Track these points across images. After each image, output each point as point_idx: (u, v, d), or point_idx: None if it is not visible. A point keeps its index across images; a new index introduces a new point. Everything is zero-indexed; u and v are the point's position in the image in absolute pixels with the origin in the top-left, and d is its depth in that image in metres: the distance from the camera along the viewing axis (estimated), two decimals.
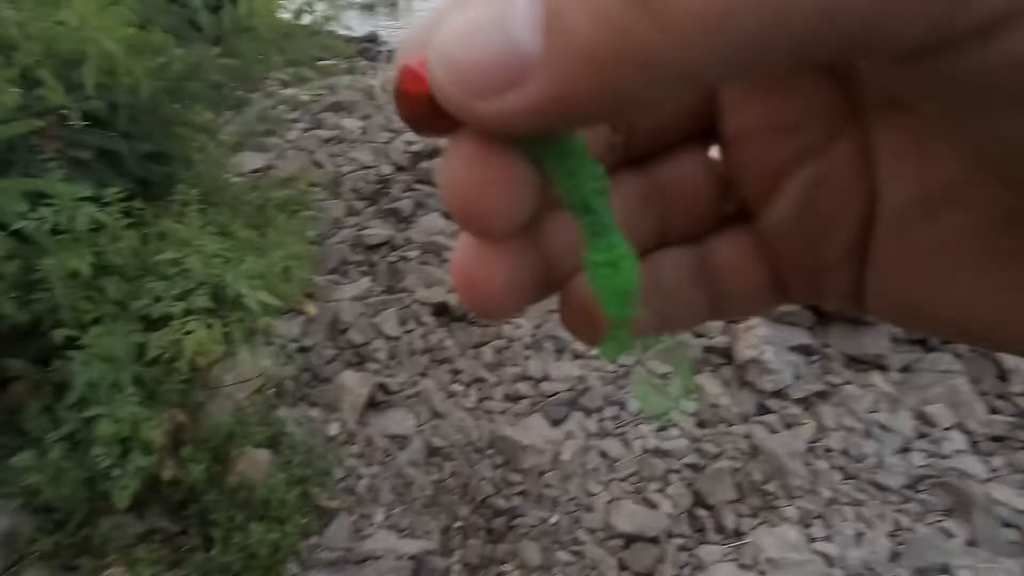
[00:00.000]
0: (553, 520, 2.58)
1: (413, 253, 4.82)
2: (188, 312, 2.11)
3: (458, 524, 2.55)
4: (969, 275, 0.17)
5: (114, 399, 1.83)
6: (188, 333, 2.03)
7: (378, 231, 5.17)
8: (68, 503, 2.02)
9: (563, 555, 2.43)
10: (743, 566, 2.34)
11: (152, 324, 2.20)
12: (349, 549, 2.33)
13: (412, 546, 2.36)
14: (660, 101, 0.14)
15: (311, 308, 3.81)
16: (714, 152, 0.22)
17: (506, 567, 2.39)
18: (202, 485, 2.16)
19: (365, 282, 4.34)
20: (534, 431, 2.96)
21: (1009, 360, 2.73)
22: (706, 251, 0.22)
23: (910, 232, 0.18)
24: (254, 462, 2.38)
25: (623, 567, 2.40)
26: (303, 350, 3.49)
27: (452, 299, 4.07)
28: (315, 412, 2.96)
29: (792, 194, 0.20)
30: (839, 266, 0.20)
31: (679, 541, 2.44)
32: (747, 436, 2.75)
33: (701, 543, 2.44)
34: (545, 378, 3.42)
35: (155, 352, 1.95)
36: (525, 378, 3.44)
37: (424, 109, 0.15)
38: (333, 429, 2.90)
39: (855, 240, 0.20)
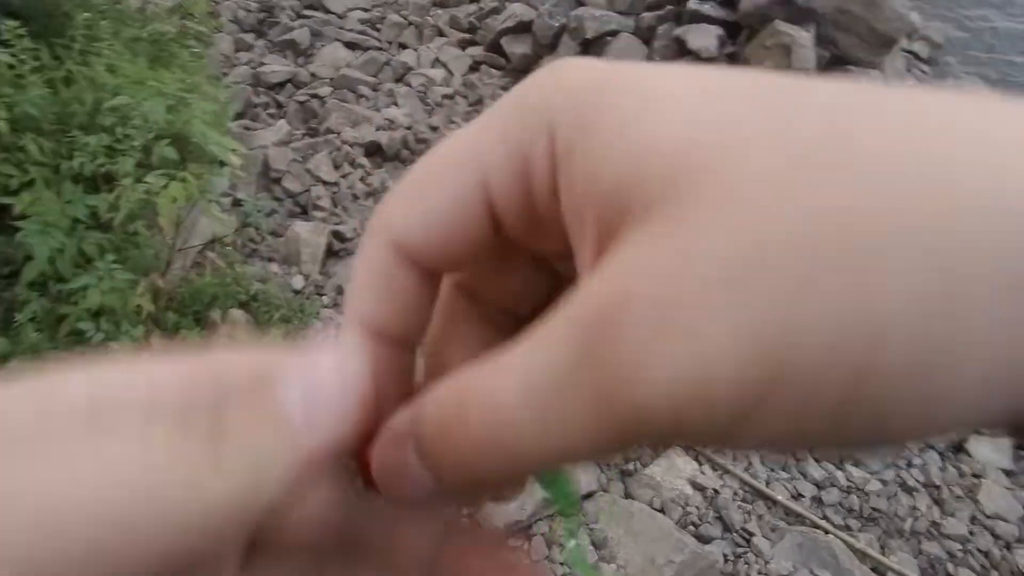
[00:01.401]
0: None
1: (324, 90, 4.42)
2: (141, 166, 1.86)
3: None
4: None
5: (95, 268, 1.63)
6: (149, 192, 1.81)
7: (277, 67, 4.65)
8: None
9: None
10: None
11: (87, 184, 1.93)
12: None
13: None
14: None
15: (234, 157, 3.46)
16: None
17: None
18: None
19: (282, 125, 3.97)
20: None
21: None
22: None
23: None
24: (234, 323, 2.27)
25: None
26: (236, 204, 3.22)
27: (382, 138, 3.84)
28: (275, 267, 2.82)
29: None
30: None
31: None
32: None
33: None
34: None
35: (120, 214, 1.73)
36: None
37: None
38: (298, 283, 2.79)
39: None
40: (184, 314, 2.05)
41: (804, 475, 2.28)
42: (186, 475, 0.15)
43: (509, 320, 0.24)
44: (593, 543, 2.03)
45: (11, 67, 1.99)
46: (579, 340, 0.16)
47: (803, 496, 2.22)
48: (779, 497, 2.19)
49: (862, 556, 2.06)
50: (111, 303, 1.67)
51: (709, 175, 0.15)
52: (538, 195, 0.19)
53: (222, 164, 3.45)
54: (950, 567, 2.09)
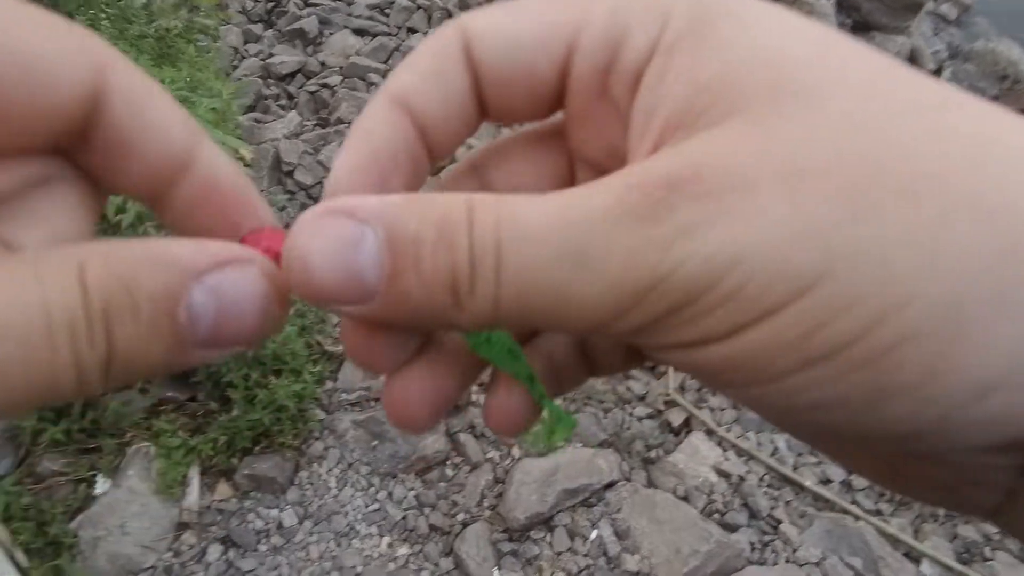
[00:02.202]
0: None
1: (334, 79, 4.38)
2: None
3: None
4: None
5: None
6: None
7: (286, 57, 4.63)
8: None
9: None
10: None
11: None
12: (367, 388, 2.33)
13: None
14: (451, 330, 0.22)
15: (245, 152, 3.45)
16: None
17: None
18: None
19: (292, 116, 3.95)
20: None
21: None
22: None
23: None
24: None
25: None
26: None
27: None
28: None
29: None
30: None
31: None
32: None
33: None
34: None
35: (128, 216, 1.72)
36: None
37: None
38: None
39: None
40: None
41: None
42: (77, 378, 0.16)
43: None
44: (616, 533, 2.00)
45: None
46: (636, 197, 0.16)
47: (832, 481, 2.17)
48: (807, 483, 2.14)
49: (894, 542, 2.01)
50: None
51: (809, 95, 0.16)
52: (618, 73, 0.19)
53: (233, 158, 3.45)
54: (987, 551, 2.02)
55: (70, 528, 1.83)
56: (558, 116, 0.23)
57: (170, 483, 1.95)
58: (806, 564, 1.94)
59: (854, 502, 2.12)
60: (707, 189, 0.15)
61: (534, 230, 0.16)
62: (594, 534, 1.99)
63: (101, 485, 1.93)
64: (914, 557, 2.00)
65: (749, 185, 0.15)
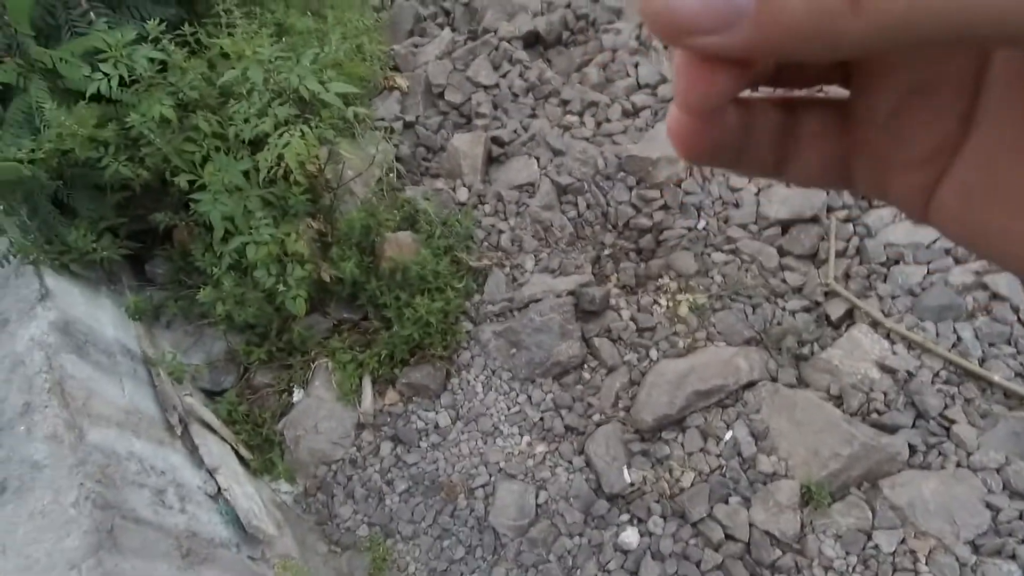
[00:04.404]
0: (701, 225, 2.50)
1: None
2: (279, 124, 2.07)
3: (607, 252, 2.57)
4: None
5: (258, 225, 1.91)
6: (286, 145, 2.01)
7: None
8: (260, 318, 2.27)
9: (718, 256, 2.39)
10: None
11: (256, 146, 2.21)
12: (510, 299, 2.46)
13: (567, 283, 2.43)
14: (828, 60, 0.20)
15: (402, 81, 3.64)
16: None
17: (663, 280, 2.42)
18: (361, 277, 2.31)
19: (447, 35, 4.02)
20: (661, 141, 2.78)
21: None
22: (797, 117, 0.24)
23: (996, 165, 0.19)
24: (399, 245, 2.48)
25: (784, 253, 2.32)
26: (408, 126, 3.42)
27: (540, 25, 3.69)
28: (440, 183, 2.97)
29: (897, 86, 0.21)
30: (912, 169, 0.21)
31: (842, 214, 2.28)
32: None
33: (867, 210, 2.26)
34: (661, 81, 3.10)
35: (264, 172, 1.96)
36: (639, 87, 3.15)
37: None
38: (462, 195, 2.91)
39: (936, 150, 0.21)
40: (346, 246, 2.30)
41: None
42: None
43: None
44: (752, 434, 1.92)
45: (161, 61, 2.26)
46: None
47: None
48: (996, 377, 1.82)
49: None
50: (272, 252, 1.94)
51: None
52: None
53: (391, 89, 3.65)
54: None
55: (277, 429, 2.28)
56: None
57: (346, 392, 2.30)
58: (982, 470, 1.69)
59: None
60: None
61: None
62: (728, 435, 1.94)
63: (297, 394, 2.35)
64: None
65: None
